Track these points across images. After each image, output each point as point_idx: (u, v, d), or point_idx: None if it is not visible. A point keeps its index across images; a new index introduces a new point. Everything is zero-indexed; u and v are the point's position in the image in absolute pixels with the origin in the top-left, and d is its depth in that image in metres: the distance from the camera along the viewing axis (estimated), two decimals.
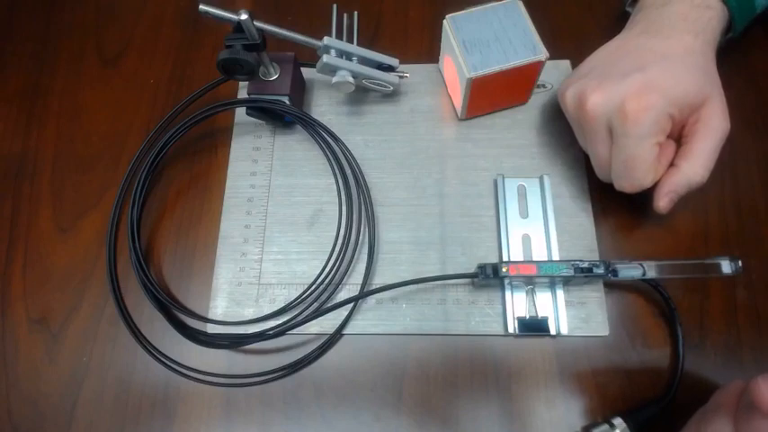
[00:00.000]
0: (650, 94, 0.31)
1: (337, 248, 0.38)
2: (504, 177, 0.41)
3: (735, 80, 0.40)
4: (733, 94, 0.35)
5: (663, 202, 0.34)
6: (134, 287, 0.39)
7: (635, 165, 0.33)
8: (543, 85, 0.44)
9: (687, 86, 0.32)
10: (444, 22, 0.39)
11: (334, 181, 0.41)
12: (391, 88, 0.42)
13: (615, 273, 0.34)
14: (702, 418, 0.29)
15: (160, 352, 0.38)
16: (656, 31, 0.34)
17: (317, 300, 0.38)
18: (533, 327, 0.37)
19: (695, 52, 0.33)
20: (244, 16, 0.35)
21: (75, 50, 0.49)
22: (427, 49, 0.46)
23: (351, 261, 0.39)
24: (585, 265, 0.34)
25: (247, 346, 0.38)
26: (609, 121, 0.33)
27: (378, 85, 0.41)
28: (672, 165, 0.34)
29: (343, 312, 0.37)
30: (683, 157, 0.34)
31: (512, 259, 0.38)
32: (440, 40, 0.41)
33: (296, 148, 0.44)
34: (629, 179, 0.34)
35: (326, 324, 0.38)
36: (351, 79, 0.39)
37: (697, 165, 0.33)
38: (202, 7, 0.36)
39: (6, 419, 0.37)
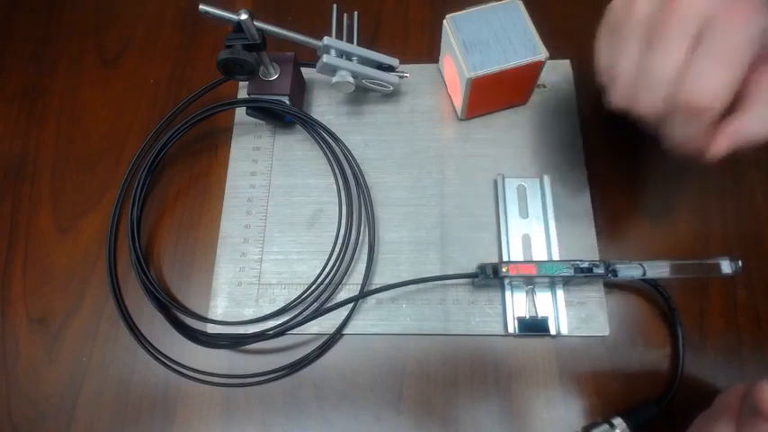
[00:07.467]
0: (753, 7, 0.26)
1: (337, 248, 0.38)
2: (504, 177, 0.41)
3: None
4: None
5: (724, 143, 0.28)
6: (134, 287, 0.39)
7: (727, 65, 0.26)
8: (543, 85, 0.44)
9: None
10: (444, 22, 0.39)
11: (334, 181, 0.41)
12: (391, 88, 0.42)
13: (615, 273, 0.34)
14: (704, 423, 0.29)
15: (160, 352, 0.38)
16: None
17: (317, 300, 0.38)
18: (533, 327, 0.37)
19: None
20: (244, 16, 0.35)
21: (75, 50, 0.49)
22: (427, 49, 0.46)
23: (351, 261, 0.39)
24: (585, 265, 0.34)
25: (247, 346, 0.38)
26: (705, 18, 0.26)
27: (378, 85, 0.41)
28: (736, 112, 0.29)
29: (343, 312, 0.37)
30: (754, 103, 0.28)
31: (512, 259, 0.38)
32: (440, 40, 0.41)
33: (296, 148, 0.44)
34: (712, 82, 0.27)
35: (326, 324, 0.38)
36: (351, 79, 0.39)
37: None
38: (202, 7, 0.36)
39: (6, 419, 0.37)
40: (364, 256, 0.39)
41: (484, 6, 0.39)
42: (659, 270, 0.34)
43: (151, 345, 0.38)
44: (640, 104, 0.29)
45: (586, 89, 0.44)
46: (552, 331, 0.36)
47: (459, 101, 0.41)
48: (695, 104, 0.27)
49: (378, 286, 0.37)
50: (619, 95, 0.30)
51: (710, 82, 0.26)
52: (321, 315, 0.36)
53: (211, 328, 0.38)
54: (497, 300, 0.38)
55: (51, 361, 0.39)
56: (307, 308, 0.38)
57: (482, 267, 0.35)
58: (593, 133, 0.42)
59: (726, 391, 0.29)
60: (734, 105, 0.28)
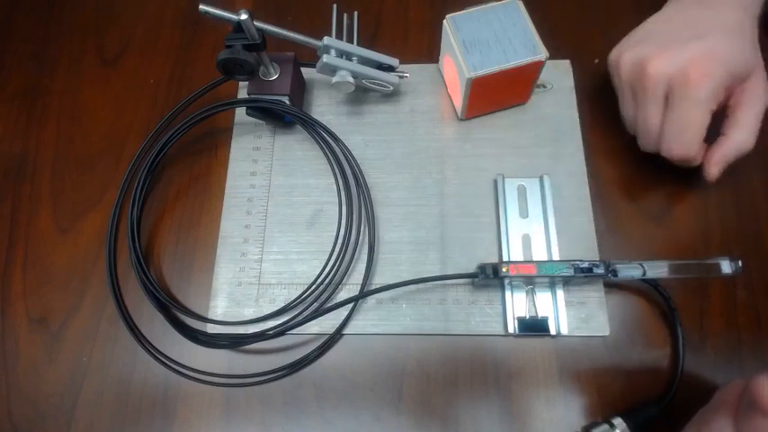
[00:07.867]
0: (711, 62, 0.33)
1: (337, 248, 0.38)
2: (504, 177, 0.41)
3: None
4: None
5: (715, 170, 0.35)
6: (134, 287, 0.39)
7: (689, 129, 0.34)
8: (543, 85, 0.44)
9: (741, 57, 0.34)
10: (444, 22, 0.39)
11: (334, 181, 0.41)
12: (391, 88, 0.42)
13: (615, 273, 0.34)
14: (703, 418, 0.29)
15: (160, 352, 0.38)
16: (707, 5, 0.36)
17: (317, 300, 0.38)
18: (533, 327, 0.37)
19: (745, 26, 0.35)
20: (244, 16, 0.35)
21: (75, 50, 0.49)
22: (427, 49, 0.46)
23: (351, 261, 0.39)
24: (585, 265, 0.34)
25: (247, 346, 0.38)
26: (669, 85, 0.34)
27: (378, 85, 0.41)
28: (720, 135, 0.36)
29: (343, 312, 0.37)
30: (733, 127, 0.35)
31: (512, 259, 0.38)
32: (440, 40, 0.41)
33: (296, 148, 0.44)
34: (681, 144, 0.35)
35: (326, 324, 0.38)
36: (351, 79, 0.39)
37: (746, 133, 0.35)
38: (202, 7, 0.36)
39: (6, 419, 0.37)
40: (364, 256, 0.39)
41: (484, 6, 0.39)
42: (659, 270, 0.34)
43: (151, 345, 0.38)
44: (642, 144, 0.38)
45: (586, 89, 0.44)
46: (552, 331, 0.36)
47: (459, 101, 0.41)
48: (674, 158, 0.36)
49: (378, 286, 0.37)
50: (628, 129, 0.39)
51: (680, 144, 0.35)
52: (321, 315, 0.36)
53: (211, 328, 0.38)
54: (497, 300, 0.38)
55: (51, 361, 0.39)
56: (307, 308, 0.38)
57: (482, 267, 0.35)
58: (593, 133, 0.42)
59: (724, 387, 0.30)
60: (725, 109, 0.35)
